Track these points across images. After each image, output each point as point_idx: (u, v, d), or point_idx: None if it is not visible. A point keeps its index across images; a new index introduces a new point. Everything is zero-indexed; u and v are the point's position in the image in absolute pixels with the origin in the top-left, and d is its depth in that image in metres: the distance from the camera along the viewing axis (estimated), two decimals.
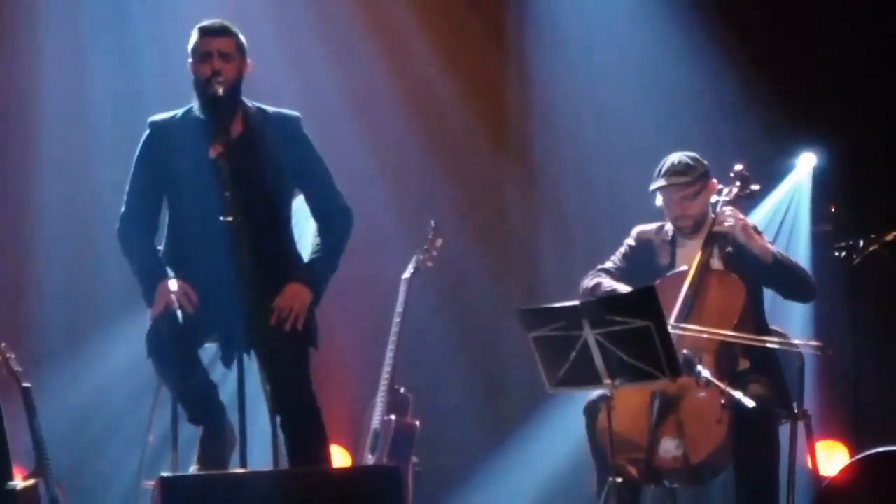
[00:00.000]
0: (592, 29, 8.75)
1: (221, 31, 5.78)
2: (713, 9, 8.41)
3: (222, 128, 5.68)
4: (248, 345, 5.69)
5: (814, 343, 6.41)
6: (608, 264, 6.49)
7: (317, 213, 5.94)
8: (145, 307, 5.82)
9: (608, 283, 6.32)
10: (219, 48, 5.73)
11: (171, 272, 5.81)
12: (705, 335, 6.00)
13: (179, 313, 5.69)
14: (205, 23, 5.81)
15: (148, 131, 5.89)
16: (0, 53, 8.29)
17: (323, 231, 5.92)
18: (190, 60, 5.81)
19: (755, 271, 6.25)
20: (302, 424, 5.78)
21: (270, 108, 5.92)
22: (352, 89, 8.60)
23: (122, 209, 5.89)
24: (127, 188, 5.90)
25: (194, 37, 5.80)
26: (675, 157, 6.39)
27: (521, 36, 8.98)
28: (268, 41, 7.93)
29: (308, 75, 8.46)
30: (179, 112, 5.87)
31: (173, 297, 5.68)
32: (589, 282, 6.41)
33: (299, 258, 5.91)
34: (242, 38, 5.83)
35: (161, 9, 8.33)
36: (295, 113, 5.96)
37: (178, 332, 5.69)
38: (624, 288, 6.25)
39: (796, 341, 6.40)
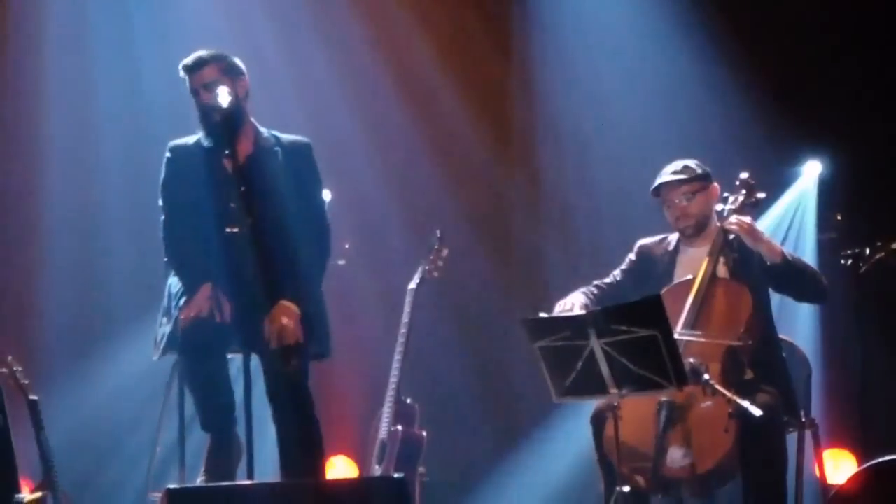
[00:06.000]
0: (597, 39, 8.75)
1: (199, 65, 5.84)
2: (719, 18, 8.41)
3: (230, 144, 5.71)
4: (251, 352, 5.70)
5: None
6: (607, 279, 6.48)
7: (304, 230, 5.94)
8: (151, 319, 5.83)
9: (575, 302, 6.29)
10: (202, 82, 5.81)
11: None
12: (710, 343, 6.00)
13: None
14: (184, 60, 5.86)
15: (168, 154, 5.95)
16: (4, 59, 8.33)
17: (308, 243, 5.93)
18: None
19: (763, 278, 6.24)
20: (295, 435, 5.78)
21: (283, 136, 5.97)
22: (356, 101, 8.62)
23: (162, 217, 5.91)
24: (161, 208, 5.92)
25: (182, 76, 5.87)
26: (674, 163, 6.41)
27: (526, 46, 8.99)
28: (271, 54, 7.95)
29: (313, 87, 8.47)
30: (197, 137, 5.92)
31: (208, 303, 5.68)
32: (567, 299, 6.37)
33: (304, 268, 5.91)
34: (230, 58, 5.86)
35: (166, 14, 8.35)
36: (305, 139, 6.01)
37: (212, 336, 5.71)
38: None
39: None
